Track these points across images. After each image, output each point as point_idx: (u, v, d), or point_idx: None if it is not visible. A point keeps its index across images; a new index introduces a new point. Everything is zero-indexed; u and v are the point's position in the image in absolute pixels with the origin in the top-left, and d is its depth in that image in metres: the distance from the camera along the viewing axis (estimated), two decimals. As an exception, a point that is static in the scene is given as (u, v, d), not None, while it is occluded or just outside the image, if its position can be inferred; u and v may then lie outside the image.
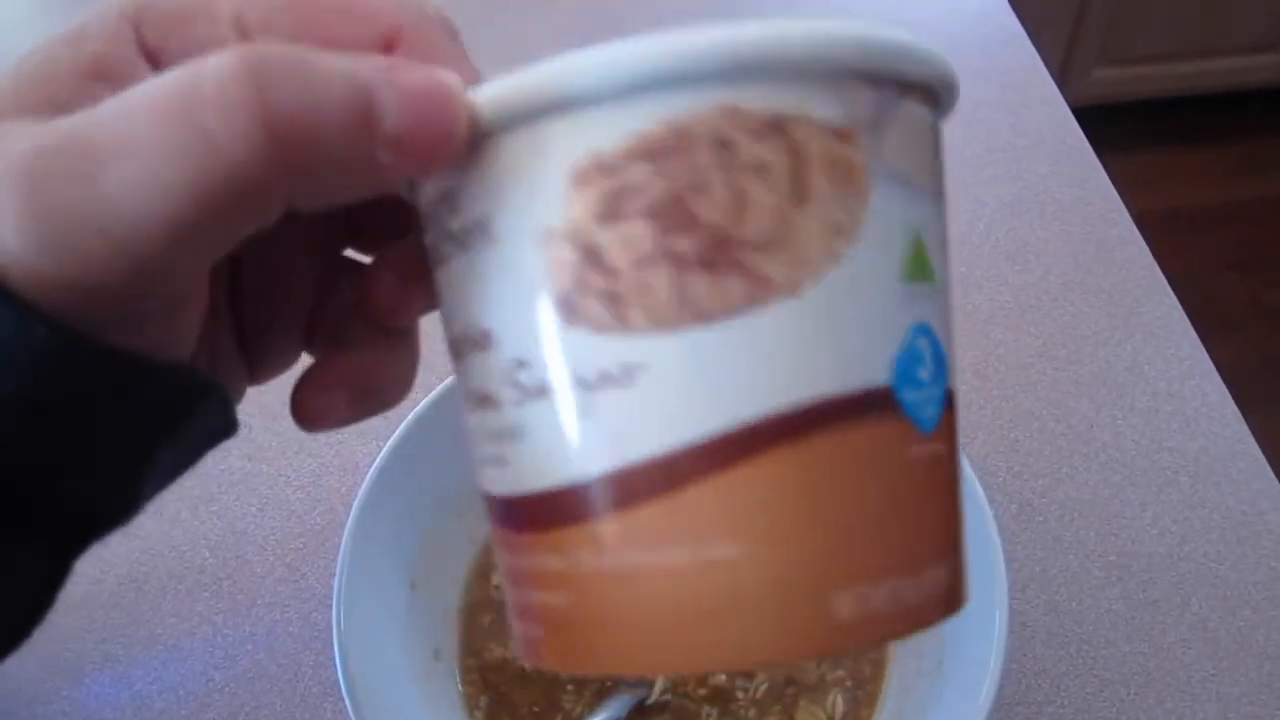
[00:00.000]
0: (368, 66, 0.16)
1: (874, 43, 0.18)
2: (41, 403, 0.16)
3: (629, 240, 0.17)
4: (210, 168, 0.15)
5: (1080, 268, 0.58)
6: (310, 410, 0.24)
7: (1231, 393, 0.53)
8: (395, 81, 0.16)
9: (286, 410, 0.54)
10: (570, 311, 0.17)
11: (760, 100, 0.17)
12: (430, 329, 0.54)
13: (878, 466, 0.18)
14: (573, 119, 0.17)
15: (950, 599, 0.20)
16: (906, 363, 0.18)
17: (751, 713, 0.40)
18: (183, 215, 0.15)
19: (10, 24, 0.79)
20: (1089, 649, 0.45)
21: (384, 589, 0.40)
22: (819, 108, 0.17)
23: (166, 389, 0.18)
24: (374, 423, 0.53)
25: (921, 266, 0.19)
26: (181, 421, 0.19)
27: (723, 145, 0.17)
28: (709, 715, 0.40)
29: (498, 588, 0.44)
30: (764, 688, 0.41)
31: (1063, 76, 1.83)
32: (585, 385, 0.18)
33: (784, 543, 0.18)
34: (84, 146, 0.15)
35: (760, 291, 0.17)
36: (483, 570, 0.44)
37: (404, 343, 0.25)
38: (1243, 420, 0.52)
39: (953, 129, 0.66)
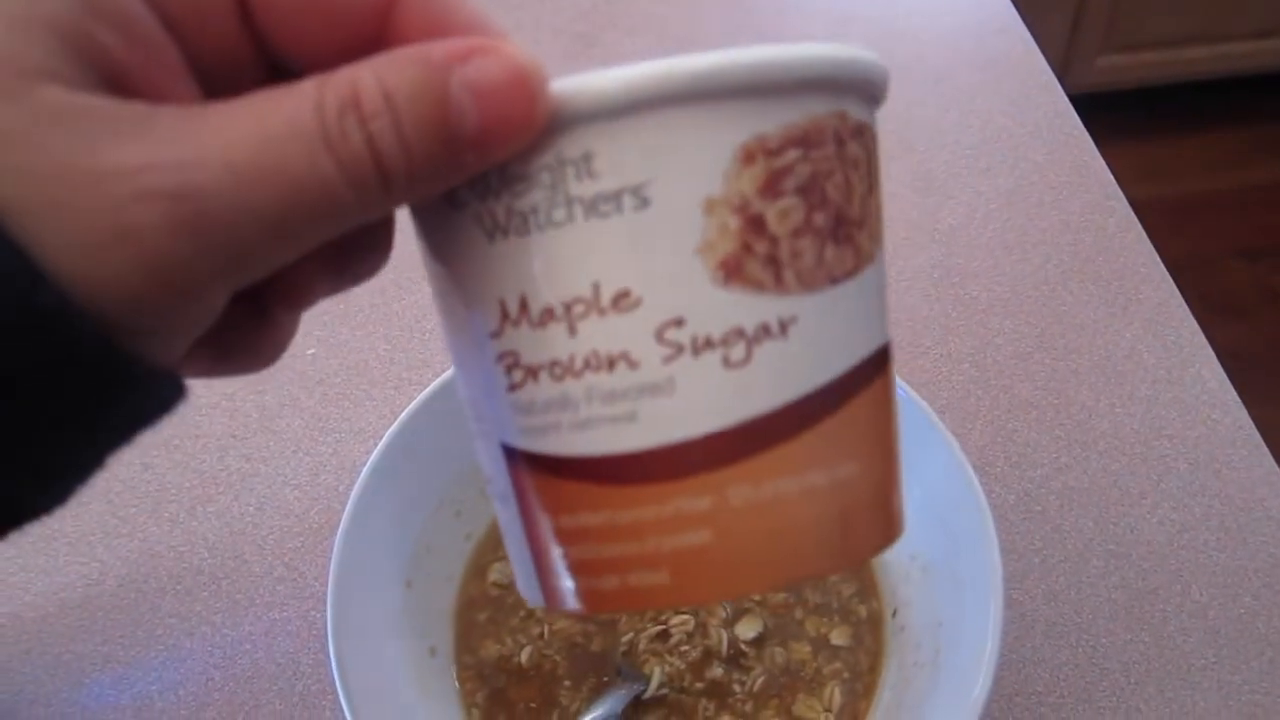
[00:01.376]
0: (438, 70, 0.17)
1: (876, 65, 0.22)
2: (41, 388, 0.16)
3: (786, 213, 0.20)
4: (344, 201, 0.17)
5: (1078, 256, 0.58)
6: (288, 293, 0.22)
7: (1240, 379, 0.53)
8: (468, 81, 0.17)
9: (284, 410, 0.54)
10: (732, 273, 0.20)
11: (855, 108, 0.21)
12: (425, 324, 0.53)
13: (894, 395, 0.23)
14: (745, 104, 0.20)
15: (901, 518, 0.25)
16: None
17: (749, 706, 0.40)
18: (304, 236, 0.17)
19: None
20: (1089, 638, 0.45)
21: (379, 587, 0.40)
22: (869, 117, 0.22)
23: (154, 397, 0.18)
24: (370, 421, 0.53)
25: None
26: (146, 427, 0.19)
27: (839, 141, 0.21)
28: (706, 709, 0.40)
29: (494, 584, 0.44)
30: (761, 681, 0.41)
31: (1066, 64, 1.83)
32: (745, 338, 0.20)
33: (882, 457, 0.23)
34: (234, 167, 0.16)
35: (861, 260, 0.22)
36: (478, 568, 0.44)
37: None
38: (1242, 407, 0.52)
39: (950, 118, 0.66)
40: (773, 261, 0.20)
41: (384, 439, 0.41)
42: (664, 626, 0.42)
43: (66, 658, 0.46)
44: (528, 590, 0.24)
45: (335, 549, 0.38)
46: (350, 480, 0.51)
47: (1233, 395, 0.52)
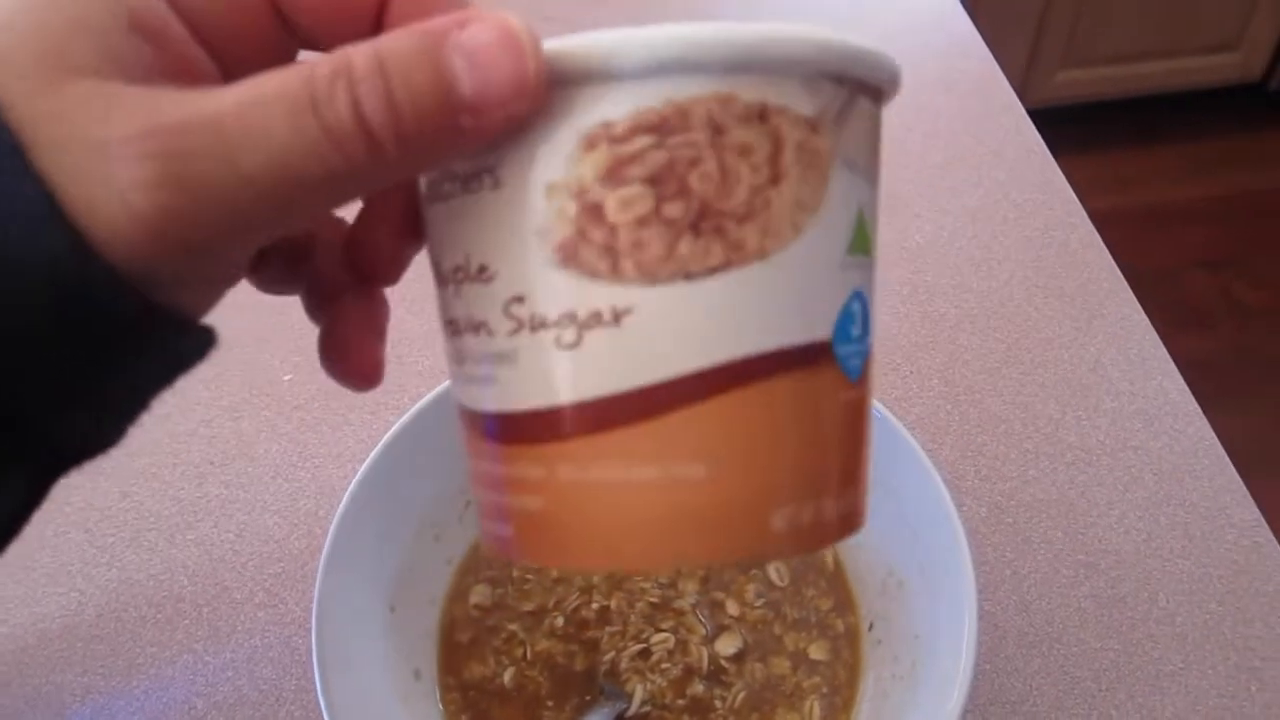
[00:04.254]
0: (434, 37, 0.18)
1: (847, 48, 0.21)
2: (81, 337, 0.18)
3: (628, 201, 0.20)
4: (333, 165, 0.17)
5: (1043, 272, 0.59)
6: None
7: (1201, 388, 0.54)
8: (460, 44, 0.18)
9: (262, 436, 0.54)
10: (568, 257, 0.20)
11: (750, 91, 0.19)
12: (400, 349, 0.54)
13: (817, 407, 0.22)
14: (589, 90, 0.19)
15: (855, 517, 0.23)
16: (844, 322, 0.22)
17: (730, 722, 0.41)
18: (300, 200, 0.18)
19: None
20: (1060, 647, 0.46)
21: (363, 612, 0.40)
22: (797, 101, 0.20)
23: (188, 345, 0.20)
24: (349, 445, 0.53)
25: (863, 241, 0.22)
26: (183, 371, 0.21)
27: (716, 128, 0.19)
28: (688, 726, 0.41)
29: (476, 606, 0.44)
30: (741, 696, 0.41)
31: (1026, 79, 1.86)
32: (576, 322, 0.20)
33: (742, 466, 0.21)
34: (220, 129, 0.17)
35: (736, 255, 0.20)
36: (459, 591, 0.44)
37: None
38: (1204, 418, 0.53)
39: (915, 138, 0.67)
40: (609, 250, 0.20)
41: (364, 465, 0.42)
42: (645, 645, 0.42)
43: (47, 689, 0.46)
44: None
45: (318, 576, 0.39)
46: (330, 505, 0.51)
47: (1194, 406, 0.53)
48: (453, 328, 0.23)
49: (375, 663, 0.40)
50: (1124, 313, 0.57)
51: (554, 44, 0.19)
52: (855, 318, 0.22)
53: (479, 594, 0.44)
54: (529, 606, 0.44)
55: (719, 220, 0.20)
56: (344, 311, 0.25)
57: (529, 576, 0.45)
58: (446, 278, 0.23)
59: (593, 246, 0.20)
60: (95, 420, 0.20)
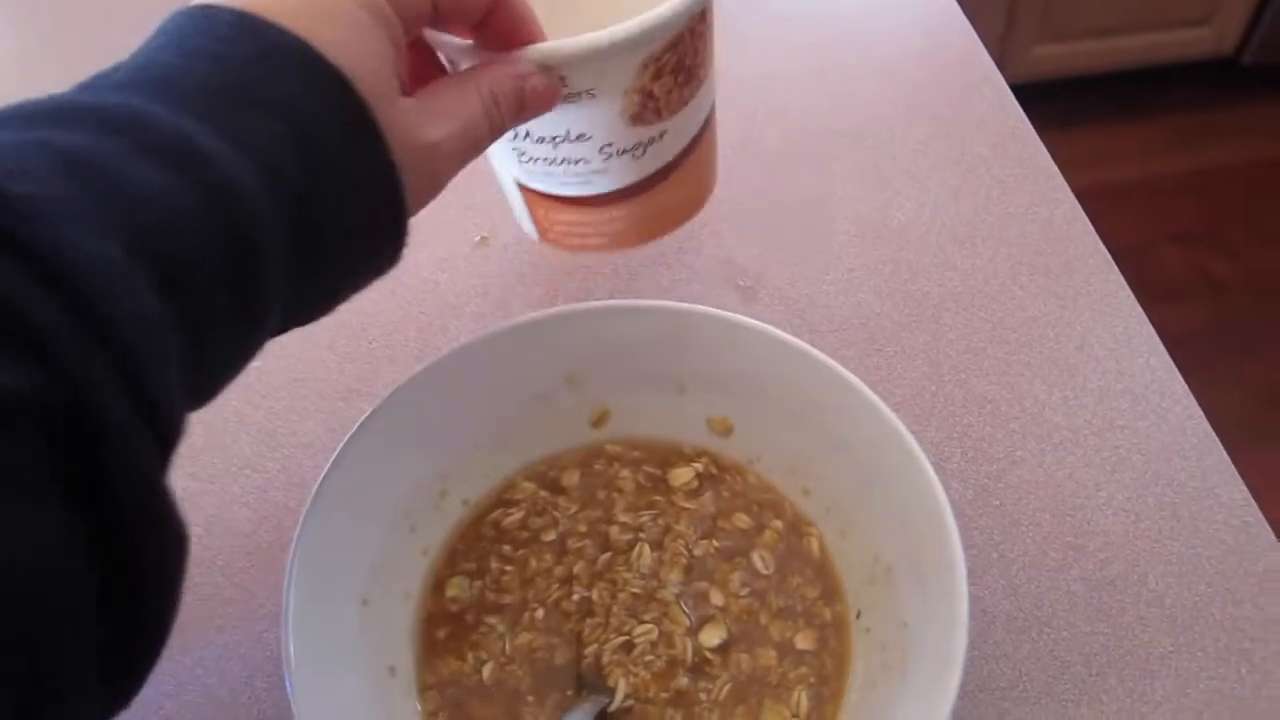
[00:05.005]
0: (519, 81, 0.36)
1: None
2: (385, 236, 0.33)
3: (665, 86, 0.40)
4: (477, 149, 0.36)
5: (1027, 249, 0.58)
6: None
7: (1179, 364, 0.53)
8: (531, 90, 0.37)
9: (230, 426, 0.53)
10: (636, 119, 0.41)
11: (687, 26, 0.39)
12: (371, 332, 0.52)
13: (715, 132, 0.48)
14: (643, 46, 0.38)
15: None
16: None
17: (715, 715, 0.40)
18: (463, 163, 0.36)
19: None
20: (1050, 631, 0.45)
21: (335, 607, 0.39)
22: (703, 18, 0.41)
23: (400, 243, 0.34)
24: (319, 434, 0.52)
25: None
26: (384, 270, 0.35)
27: (694, 31, 0.40)
28: (672, 719, 0.40)
29: (452, 599, 0.43)
30: (726, 689, 0.40)
31: (1002, 54, 1.85)
32: (641, 145, 0.42)
33: (704, 171, 0.48)
34: (452, 142, 0.35)
35: (699, 83, 0.42)
36: (436, 583, 0.43)
37: None
38: (1191, 396, 0.52)
39: (896, 113, 0.66)
40: (656, 110, 0.41)
41: (335, 454, 0.40)
42: (628, 637, 0.41)
43: (8, 691, 0.44)
44: (531, 233, 0.50)
45: (289, 571, 0.37)
46: (300, 496, 0.50)
47: (1181, 384, 0.53)
48: (544, 161, 0.43)
49: (349, 659, 0.39)
50: (1109, 290, 0.56)
51: (621, 26, 0.37)
52: None
53: (456, 587, 0.43)
54: (508, 599, 0.43)
55: (695, 71, 0.42)
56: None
57: (508, 568, 0.43)
58: (542, 140, 0.42)
59: (648, 110, 0.41)
60: (329, 286, 0.33)
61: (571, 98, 0.39)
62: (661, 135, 0.42)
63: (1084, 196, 0.61)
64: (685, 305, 0.44)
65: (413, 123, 0.32)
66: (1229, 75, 2.03)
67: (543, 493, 0.46)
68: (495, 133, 0.36)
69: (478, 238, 0.60)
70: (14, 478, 0.21)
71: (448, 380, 0.43)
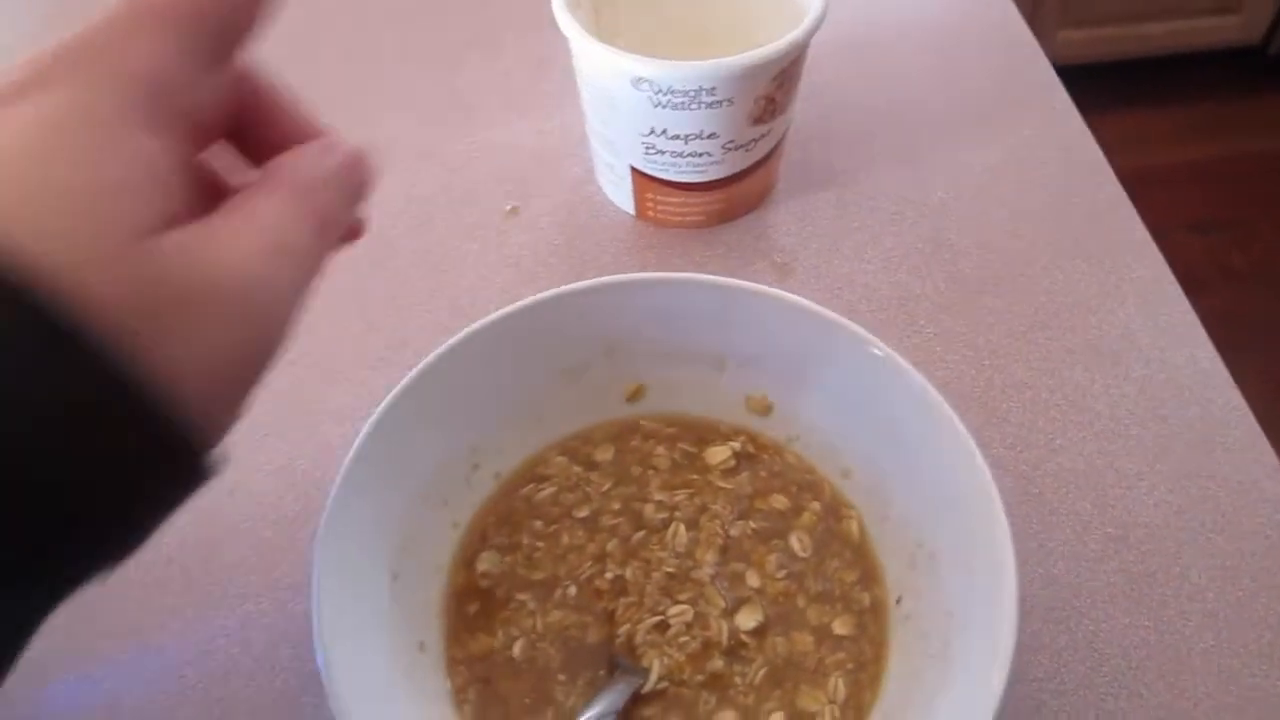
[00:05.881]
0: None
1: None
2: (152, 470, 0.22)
3: (786, 93, 0.52)
4: (311, 275, 0.25)
5: (1070, 233, 0.57)
6: None
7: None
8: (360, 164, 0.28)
9: (256, 394, 0.52)
10: (758, 120, 0.51)
11: (782, 65, 0.50)
12: (401, 300, 0.51)
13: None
14: (772, 68, 0.49)
15: None
16: None
17: (751, 699, 0.39)
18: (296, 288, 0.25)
19: None
20: (1088, 622, 0.44)
21: (364, 580, 0.38)
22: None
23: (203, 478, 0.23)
24: (346, 403, 0.51)
25: None
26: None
27: (800, 57, 0.51)
28: (707, 702, 0.39)
29: (483, 575, 0.42)
30: (763, 673, 0.39)
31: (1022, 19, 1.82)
32: (756, 140, 0.53)
33: (779, 162, 0.59)
34: (249, 288, 0.23)
35: (794, 91, 0.54)
36: (466, 557, 0.42)
37: None
38: (1235, 388, 0.51)
39: (938, 94, 0.64)
40: (773, 111, 0.51)
41: (366, 425, 0.39)
42: (662, 617, 0.40)
43: (29, 655, 0.43)
44: (628, 209, 0.58)
45: (318, 540, 0.36)
46: (326, 466, 0.49)
47: (1225, 375, 0.52)
48: (670, 153, 0.52)
49: (377, 633, 0.38)
50: (1153, 276, 0.55)
51: (755, 55, 0.48)
52: None
53: (487, 561, 0.42)
54: (539, 575, 0.42)
55: (795, 81, 0.53)
56: None
57: (539, 544, 0.43)
58: (674, 137, 0.51)
59: (766, 113, 0.51)
60: (113, 538, 0.23)
61: (714, 105, 0.49)
62: (769, 132, 0.53)
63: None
64: (726, 279, 0.43)
65: (186, 272, 0.22)
66: (1254, 65, 2.01)
67: (575, 468, 0.45)
68: (322, 238, 0.26)
69: (508, 207, 0.59)
70: None
71: (481, 352, 0.42)
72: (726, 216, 0.57)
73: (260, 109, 0.28)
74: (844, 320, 0.41)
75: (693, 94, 0.49)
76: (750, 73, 0.48)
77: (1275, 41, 1.94)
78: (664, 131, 0.51)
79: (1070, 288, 0.55)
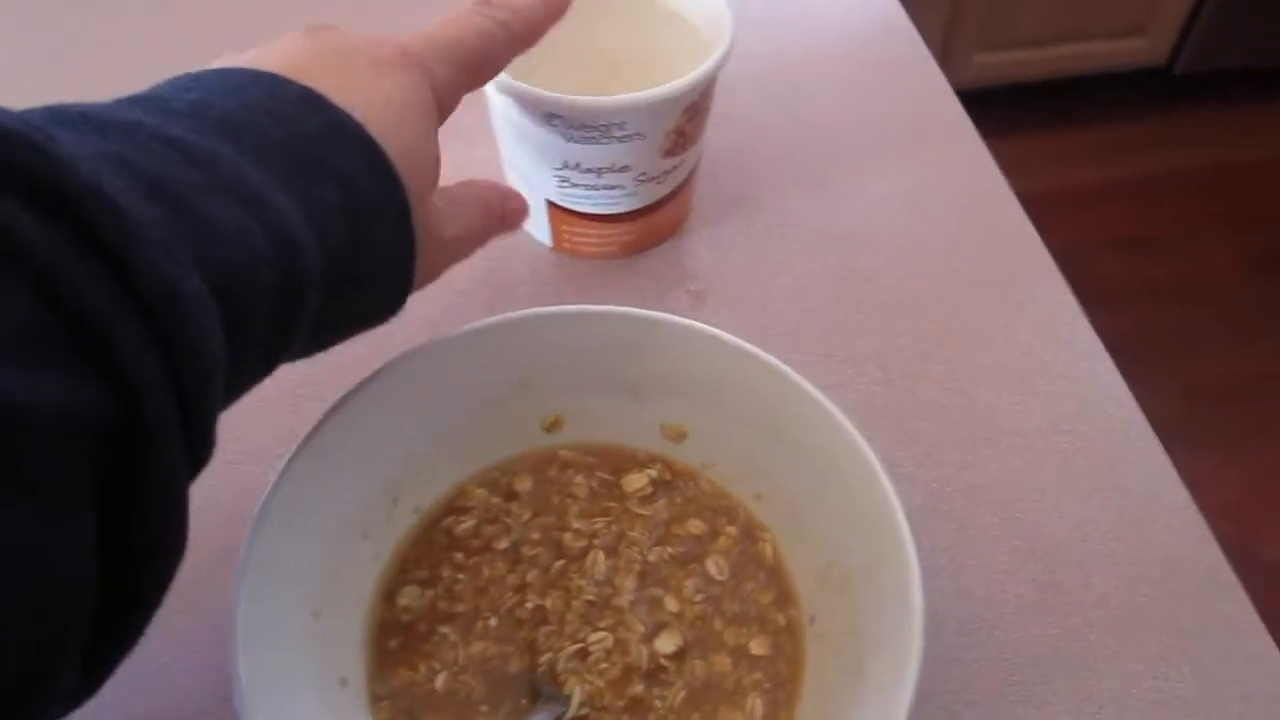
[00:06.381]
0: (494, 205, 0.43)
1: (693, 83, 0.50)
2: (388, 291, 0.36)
3: (694, 125, 0.53)
4: (469, 252, 0.42)
5: (975, 257, 0.59)
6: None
7: (1118, 367, 0.54)
8: (509, 211, 0.44)
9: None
10: (669, 153, 0.52)
11: (692, 99, 0.51)
12: (346, 358, 0.51)
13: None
14: (682, 100, 0.50)
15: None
16: None
17: (670, 721, 0.40)
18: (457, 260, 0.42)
19: None
20: (999, 633, 0.46)
21: (285, 617, 0.38)
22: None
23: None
24: (264, 440, 0.51)
25: None
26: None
27: (708, 91, 0.52)
28: (628, 727, 0.40)
29: (404, 609, 0.42)
30: (682, 696, 0.40)
31: (943, 62, 1.87)
32: (666, 172, 0.54)
33: (691, 191, 0.60)
34: (461, 241, 0.41)
35: (704, 120, 0.55)
36: (387, 591, 0.43)
37: None
38: (1134, 402, 0.53)
39: (846, 121, 0.66)
40: (683, 144, 0.53)
41: (282, 465, 0.39)
42: (582, 645, 0.41)
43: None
44: (544, 241, 0.59)
45: (238, 580, 0.37)
46: (247, 505, 0.49)
47: (1125, 390, 0.54)
48: (585, 186, 0.53)
49: (300, 673, 0.38)
50: (1053, 297, 0.57)
51: (666, 90, 0.48)
52: None
53: (408, 596, 0.42)
54: (461, 608, 0.42)
55: (705, 110, 0.53)
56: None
57: (460, 576, 0.43)
58: (587, 170, 0.52)
59: (678, 145, 0.52)
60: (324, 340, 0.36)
61: (625, 138, 0.50)
62: (681, 164, 0.54)
63: (1023, 202, 0.62)
64: (639, 311, 0.44)
65: (435, 220, 0.37)
66: (1162, 84, 2.08)
67: (495, 499, 0.45)
68: (482, 241, 0.42)
69: (427, 241, 0.59)
70: (54, 494, 0.22)
71: (397, 387, 0.42)
72: (642, 246, 0.59)
73: None
74: (753, 349, 0.43)
75: (603, 129, 0.49)
76: (660, 107, 0.49)
77: (1180, 61, 2.01)
78: (577, 165, 0.52)
79: (976, 309, 0.57)
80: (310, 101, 0.31)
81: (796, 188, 0.62)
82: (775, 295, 0.57)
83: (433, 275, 0.39)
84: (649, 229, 0.58)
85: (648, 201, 0.55)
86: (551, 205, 0.55)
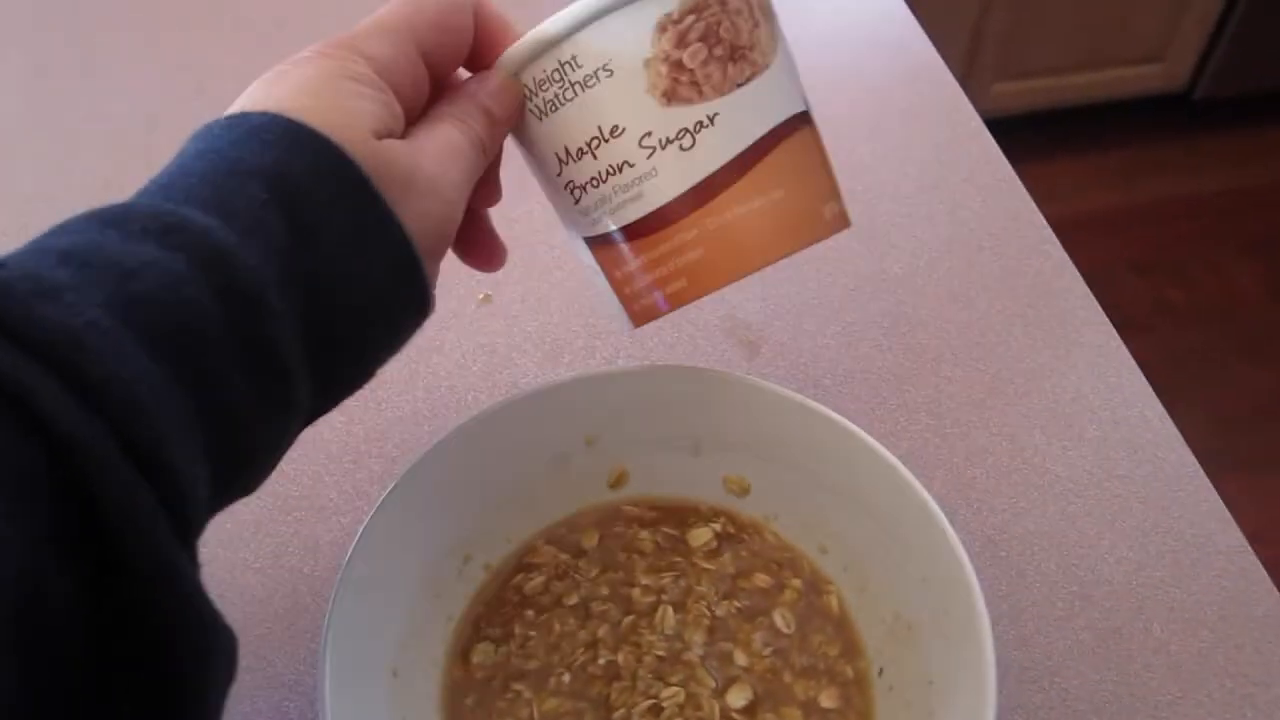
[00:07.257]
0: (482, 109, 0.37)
1: None
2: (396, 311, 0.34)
3: (694, 54, 0.35)
4: (474, 173, 0.36)
5: (1019, 301, 0.60)
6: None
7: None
8: (495, 106, 0.37)
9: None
10: (671, 97, 0.36)
11: (667, 8, 0.35)
12: (379, 394, 0.51)
13: (818, 143, 0.39)
14: (650, 2, 0.35)
15: (847, 214, 0.40)
16: (805, 94, 0.39)
17: (744, 776, 0.40)
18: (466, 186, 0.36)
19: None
20: (1060, 680, 0.46)
21: (366, 679, 0.39)
22: None
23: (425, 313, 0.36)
24: (332, 498, 0.52)
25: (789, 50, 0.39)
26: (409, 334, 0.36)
27: (721, 7, 0.35)
28: (702, 782, 0.40)
29: (479, 666, 0.43)
30: (755, 750, 0.41)
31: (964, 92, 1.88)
32: (689, 132, 0.36)
33: (802, 183, 0.38)
34: (440, 176, 0.34)
35: (756, 69, 0.36)
36: (461, 650, 0.43)
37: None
38: (1185, 444, 0.54)
39: (886, 168, 0.67)
40: (693, 84, 0.36)
41: (364, 523, 0.40)
42: (655, 700, 0.42)
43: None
44: (620, 323, 0.41)
45: (323, 651, 0.37)
46: (315, 561, 0.50)
47: (1174, 431, 0.54)
48: (593, 183, 0.38)
49: (380, 731, 0.39)
50: (1101, 340, 0.58)
51: None
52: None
53: (481, 653, 0.43)
54: (534, 665, 0.43)
55: (742, 51, 0.36)
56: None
57: (532, 633, 0.44)
58: (581, 152, 0.37)
59: (683, 85, 0.36)
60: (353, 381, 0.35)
61: (590, 82, 0.36)
62: (712, 119, 0.36)
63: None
64: (699, 368, 0.45)
65: (404, 160, 0.33)
66: (1181, 110, 2.09)
67: (563, 556, 0.46)
68: (477, 146, 0.36)
69: (480, 296, 0.60)
70: (34, 601, 0.22)
71: (466, 448, 0.43)
72: (721, 273, 0.38)
73: (492, 46, 0.38)
74: (815, 404, 0.43)
75: (557, 76, 0.36)
76: (601, 18, 0.35)
77: (1199, 88, 2.02)
78: (570, 154, 0.38)
79: (1023, 354, 0.57)
80: (230, 120, 0.31)
81: (844, 235, 0.63)
82: (827, 343, 0.58)
83: (441, 222, 0.34)
84: (723, 240, 0.37)
85: (686, 183, 0.37)
86: (592, 246, 0.40)
